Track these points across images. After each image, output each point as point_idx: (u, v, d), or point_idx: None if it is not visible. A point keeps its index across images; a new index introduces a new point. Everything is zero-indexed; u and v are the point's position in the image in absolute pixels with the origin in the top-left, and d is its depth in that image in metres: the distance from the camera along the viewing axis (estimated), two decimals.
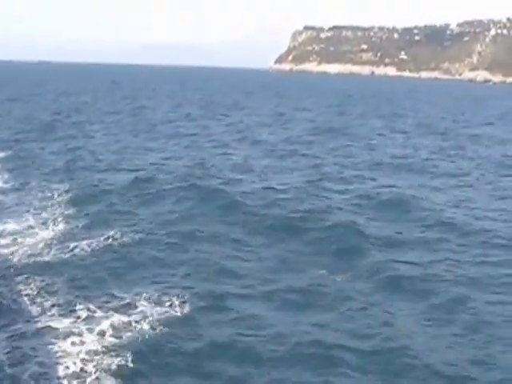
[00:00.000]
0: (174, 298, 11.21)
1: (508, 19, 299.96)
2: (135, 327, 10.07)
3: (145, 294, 11.33)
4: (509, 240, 16.19)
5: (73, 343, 9.55)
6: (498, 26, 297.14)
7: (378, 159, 30.12)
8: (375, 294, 12.39)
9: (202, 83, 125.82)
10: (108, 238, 14.63)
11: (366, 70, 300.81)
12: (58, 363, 8.94)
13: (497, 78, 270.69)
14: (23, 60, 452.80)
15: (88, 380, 8.60)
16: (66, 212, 17.42)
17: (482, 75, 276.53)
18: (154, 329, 10.08)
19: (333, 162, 29.01)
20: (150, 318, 10.35)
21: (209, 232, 16.03)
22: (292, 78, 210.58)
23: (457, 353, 10.01)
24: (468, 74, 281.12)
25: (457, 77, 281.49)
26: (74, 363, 8.94)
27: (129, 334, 9.87)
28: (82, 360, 9.04)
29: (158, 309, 10.70)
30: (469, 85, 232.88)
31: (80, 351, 9.29)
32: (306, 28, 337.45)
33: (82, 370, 8.80)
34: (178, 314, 10.65)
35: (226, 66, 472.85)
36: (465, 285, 12.85)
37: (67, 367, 8.85)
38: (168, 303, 10.98)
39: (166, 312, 10.62)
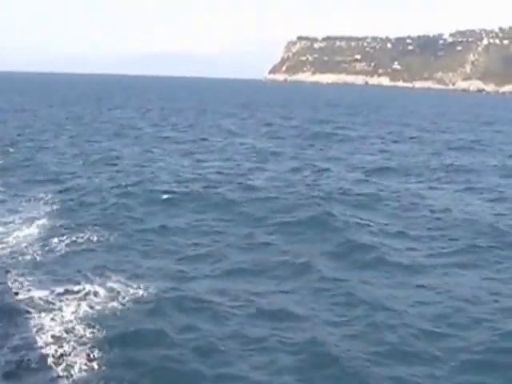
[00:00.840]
0: (143, 282, 12.56)
1: (500, 29, 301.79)
2: (107, 305, 11.35)
3: (119, 279, 12.71)
4: None
5: (52, 319, 10.71)
6: (491, 35, 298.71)
7: None
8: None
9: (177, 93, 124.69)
10: (87, 234, 16.13)
11: (359, 79, 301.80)
12: (38, 335, 10.02)
13: (490, 88, 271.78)
14: (18, 71, 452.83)
15: (65, 347, 9.63)
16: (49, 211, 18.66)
17: (475, 85, 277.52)
18: (124, 305, 11.37)
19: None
20: (122, 298, 11.67)
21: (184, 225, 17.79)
22: (280, 88, 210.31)
23: None
24: (461, 84, 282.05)
25: (450, 86, 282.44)
26: (53, 336, 10.00)
27: (101, 310, 11.13)
28: (60, 331, 10.17)
29: (130, 290, 12.06)
30: (457, 94, 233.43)
31: (58, 324, 10.47)
32: (300, 38, 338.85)
33: (59, 339, 9.88)
34: (146, 294, 11.93)
35: (222, 76, 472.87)
36: None
37: (47, 338, 9.92)
38: (137, 285, 12.30)
39: (136, 293, 11.94)
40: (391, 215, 19.68)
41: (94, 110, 64.91)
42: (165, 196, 21.15)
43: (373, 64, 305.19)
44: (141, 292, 12.08)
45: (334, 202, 20.82)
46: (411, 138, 46.91)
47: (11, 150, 31.66)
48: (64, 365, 9.20)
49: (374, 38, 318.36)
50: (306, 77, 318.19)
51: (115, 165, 27.97)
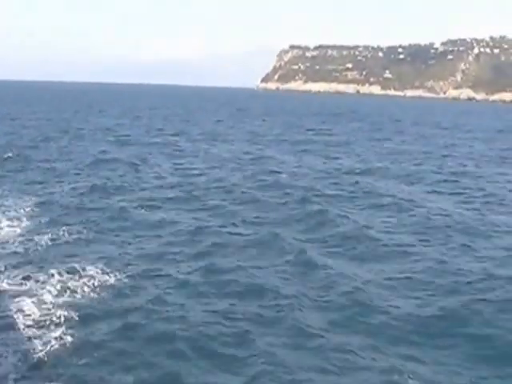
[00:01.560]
0: (118, 269, 13.42)
1: (491, 38, 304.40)
2: (84, 289, 12.19)
3: (95, 266, 13.58)
4: None
5: (33, 302, 11.36)
6: (481, 44, 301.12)
7: None
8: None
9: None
10: (68, 229, 16.98)
11: (351, 88, 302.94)
12: (18, 318, 10.64)
13: (480, 96, 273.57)
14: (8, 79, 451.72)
15: (43, 329, 10.24)
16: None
17: (465, 93, 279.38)
18: (100, 291, 12.24)
19: None
20: (97, 283, 12.56)
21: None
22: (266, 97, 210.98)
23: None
24: (452, 92, 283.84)
25: (441, 95, 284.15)
26: (33, 319, 10.60)
27: (80, 295, 11.94)
28: (40, 315, 10.78)
29: (105, 276, 12.94)
30: (445, 102, 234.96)
31: (39, 308, 11.09)
32: (292, 47, 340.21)
33: (39, 322, 10.50)
34: (120, 280, 12.81)
35: (215, 84, 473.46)
36: None
37: (28, 321, 10.56)
38: (112, 273, 13.18)
39: (110, 279, 12.86)
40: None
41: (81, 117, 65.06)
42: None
43: (364, 73, 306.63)
44: (116, 278, 12.92)
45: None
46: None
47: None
48: (40, 345, 9.70)
49: (366, 47, 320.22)
50: (297, 85, 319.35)
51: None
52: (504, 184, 27.64)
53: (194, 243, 15.98)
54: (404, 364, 9.42)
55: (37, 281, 12.55)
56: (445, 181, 28.21)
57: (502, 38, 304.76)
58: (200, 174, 27.70)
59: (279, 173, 28.49)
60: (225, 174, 27.61)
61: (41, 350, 9.47)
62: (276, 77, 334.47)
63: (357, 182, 26.18)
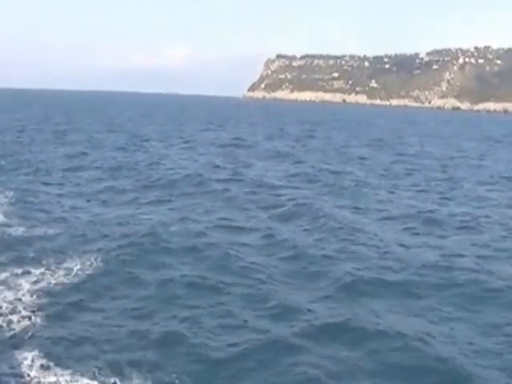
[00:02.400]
0: (88, 262, 14.24)
1: (475, 48, 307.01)
2: (60, 280, 12.96)
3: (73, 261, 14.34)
4: None
5: (12, 290, 12.13)
6: (466, 54, 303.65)
7: None
8: None
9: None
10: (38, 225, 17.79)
11: (337, 97, 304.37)
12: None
13: (465, 106, 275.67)
14: None
15: (18, 316, 10.91)
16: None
17: (450, 103, 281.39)
18: (74, 281, 13.02)
19: None
20: (73, 273, 13.42)
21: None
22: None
23: None
24: (437, 102, 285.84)
25: (426, 104, 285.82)
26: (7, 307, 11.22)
27: (54, 285, 12.67)
28: (18, 301, 11.55)
29: (78, 267, 13.83)
30: (427, 112, 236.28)
31: (17, 295, 11.88)
32: (279, 56, 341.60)
33: (14, 309, 11.17)
34: (90, 273, 13.61)
35: (201, 93, 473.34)
36: None
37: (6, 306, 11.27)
38: (88, 263, 14.14)
39: (84, 270, 13.71)
40: None
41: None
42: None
43: (350, 82, 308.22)
44: (91, 270, 13.77)
45: None
46: None
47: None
48: (15, 331, 10.35)
49: (352, 57, 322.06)
50: (284, 94, 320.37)
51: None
52: None
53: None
54: None
55: (14, 273, 13.22)
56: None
57: (487, 48, 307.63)
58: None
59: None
60: None
61: (13, 339, 10.04)
62: (263, 86, 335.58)
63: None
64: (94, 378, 8.82)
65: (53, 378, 8.77)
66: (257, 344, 10.05)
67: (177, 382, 8.89)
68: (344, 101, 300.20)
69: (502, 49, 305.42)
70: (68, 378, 8.79)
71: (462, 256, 15.75)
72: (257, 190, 24.99)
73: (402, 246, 16.66)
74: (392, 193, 26.22)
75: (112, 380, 8.78)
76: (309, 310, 11.60)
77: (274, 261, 14.99)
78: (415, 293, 12.97)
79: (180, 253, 15.24)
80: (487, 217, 21.08)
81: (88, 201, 22.03)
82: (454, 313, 11.94)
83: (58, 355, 9.46)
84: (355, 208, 22.18)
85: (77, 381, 8.72)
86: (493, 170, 37.57)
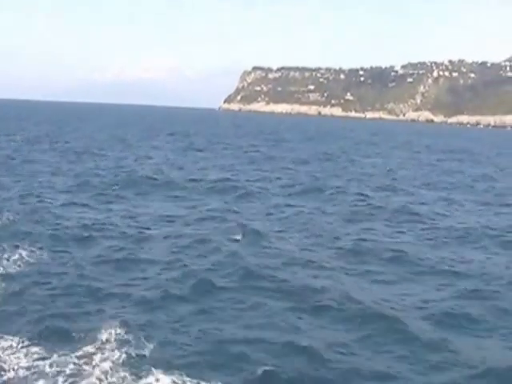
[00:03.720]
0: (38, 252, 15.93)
1: (450, 61, 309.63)
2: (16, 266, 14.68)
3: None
4: None
5: None
6: (441, 68, 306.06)
7: None
8: None
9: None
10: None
11: (312, 110, 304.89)
12: None
13: (438, 119, 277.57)
14: None
15: None
16: None
17: (424, 115, 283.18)
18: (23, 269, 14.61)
19: None
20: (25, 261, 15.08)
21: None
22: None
23: None
24: (411, 115, 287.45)
25: (401, 117, 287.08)
26: None
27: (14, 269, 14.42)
28: None
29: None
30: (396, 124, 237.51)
31: None
32: (255, 68, 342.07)
33: None
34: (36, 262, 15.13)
35: (177, 105, 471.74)
36: None
37: None
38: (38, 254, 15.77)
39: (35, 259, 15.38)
40: None
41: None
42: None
43: (326, 94, 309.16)
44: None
45: None
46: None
47: None
48: None
49: (328, 69, 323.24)
50: (260, 107, 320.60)
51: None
52: None
53: None
54: None
55: None
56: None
57: (461, 61, 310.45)
58: None
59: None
60: None
61: None
62: (239, 98, 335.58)
63: None
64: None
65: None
66: None
67: None
68: (319, 113, 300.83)
69: (476, 62, 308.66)
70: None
71: None
72: None
73: None
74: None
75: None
76: None
77: None
78: None
79: None
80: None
81: None
82: None
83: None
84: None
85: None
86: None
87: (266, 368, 9.49)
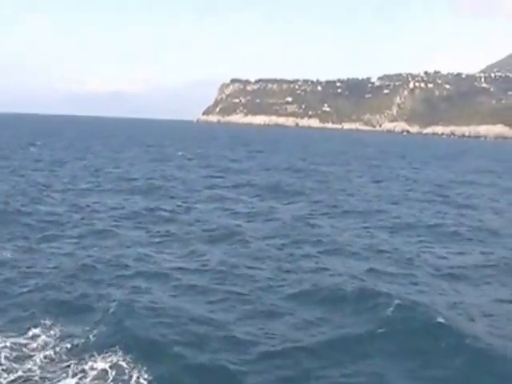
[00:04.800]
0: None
1: (425, 73, 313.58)
2: None
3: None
4: None
5: None
6: (416, 79, 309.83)
7: None
8: None
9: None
10: None
11: (290, 121, 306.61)
12: None
13: (414, 129, 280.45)
14: None
15: None
16: None
17: (400, 126, 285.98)
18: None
19: None
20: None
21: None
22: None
23: None
24: (387, 126, 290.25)
25: (377, 128, 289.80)
26: None
27: None
28: None
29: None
30: (375, 135, 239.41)
31: None
32: (233, 81, 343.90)
33: None
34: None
35: (156, 117, 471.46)
36: None
37: None
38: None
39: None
40: None
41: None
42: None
43: (303, 106, 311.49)
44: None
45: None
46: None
47: None
48: None
49: (305, 81, 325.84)
50: (238, 118, 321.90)
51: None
52: None
53: None
54: None
55: None
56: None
57: (436, 73, 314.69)
58: None
59: None
60: None
61: None
62: (217, 110, 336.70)
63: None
64: None
65: None
66: None
67: None
68: (297, 124, 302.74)
69: (451, 74, 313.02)
70: None
71: None
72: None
73: None
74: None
75: None
76: None
77: None
78: None
79: None
80: None
81: None
82: None
83: None
84: None
85: None
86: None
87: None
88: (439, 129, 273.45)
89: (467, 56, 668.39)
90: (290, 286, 14.75)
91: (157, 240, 19.60)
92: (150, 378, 9.64)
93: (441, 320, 11.95)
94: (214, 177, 40.55)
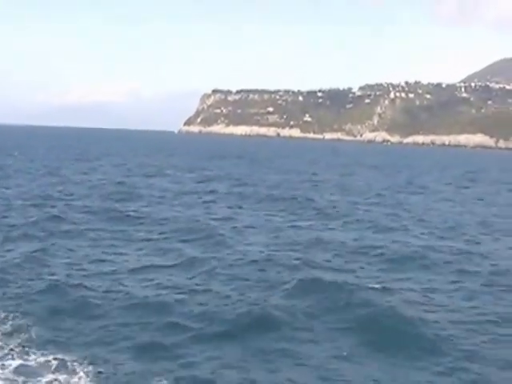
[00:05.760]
0: None
1: (406, 83, 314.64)
2: None
3: None
4: None
5: None
6: (397, 89, 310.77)
7: None
8: None
9: None
10: None
11: (271, 131, 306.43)
12: None
13: (394, 139, 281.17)
14: None
15: None
16: None
17: (380, 136, 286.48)
18: None
19: None
20: None
21: None
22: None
23: None
24: (368, 135, 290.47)
25: (358, 138, 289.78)
26: None
27: None
28: None
29: None
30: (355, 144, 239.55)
31: None
32: (215, 91, 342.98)
33: None
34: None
35: (137, 128, 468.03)
36: None
37: None
38: None
39: None
40: None
41: None
42: None
43: (285, 116, 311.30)
44: None
45: None
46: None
47: None
48: None
49: (286, 91, 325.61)
50: (220, 129, 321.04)
51: None
52: None
53: None
54: None
55: None
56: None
57: (417, 83, 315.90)
58: None
59: None
60: None
61: None
62: (199, 120, 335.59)
63: None
64: None
65: None
66: None
67: None
68: (278, 135, 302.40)
69: (432, 84, 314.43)
70: None
71: None
72: None
73: None
74: None
75: None
76: None
77: None
78: None
79: None
80: None
81: None
82: None
83: None
84: None
85: None
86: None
87: None
88: (420, 138, 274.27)
89: (448, 66, 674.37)
90: None
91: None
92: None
93: None
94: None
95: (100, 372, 10.07)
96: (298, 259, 18.36)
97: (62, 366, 10.18)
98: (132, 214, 26.69)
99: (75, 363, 10.32)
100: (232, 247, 20.15)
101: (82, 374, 9.91)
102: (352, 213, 30.33)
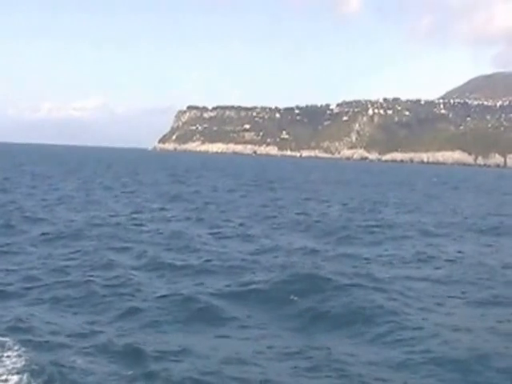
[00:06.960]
0: None
1: (384, 99, 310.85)
2: None
3: None
4: None
5: None
6: (375, 106, 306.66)
7: None
8: None
9: None
10: None
11: (248, 149, 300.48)
12: None
13: (373, 156, 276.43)
14: None
15: None
16: None
17: (359, 153, 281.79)
18: None
19: None
20: None
21: None
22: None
23: None
24: (346, 153, 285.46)
25: (336, 155, 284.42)
26: None
27: None
28: None
29: None
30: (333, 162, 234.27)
31: None
32: (190, 108, 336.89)
33: None
34: None
35: (112, 145, 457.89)
36: None
37: None
38: None
39: None
40: None
41: None
42: None
43: (261, 133, 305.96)
44: None
45: None
46: None
47: None
48: None
49: (263, 108, 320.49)
50: (195, 146, 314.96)
51: None
52: None
53: None
54: None
55: None
56: None
57: (396, 99, 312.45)
58: None
59: None
60: None
61: None
62: (174, 137, 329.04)
63: None
64: None
65: None
66: None
67: None
68: (255, 152, 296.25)
69: (410, 100, 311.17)
70: None
71: None
72: None
73: None
74: None
75: None
76: None
77: None
78: None
79: None
80: None
81: None
82: None
83: None
84: None
85: None
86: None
87: None
88: (398, 155, 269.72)
89: (426, 82, 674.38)
90: None
91: None
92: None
93: None
94: None
95: None
96: None
97: None
98: None
99: None
100: None
101: None
102: None
